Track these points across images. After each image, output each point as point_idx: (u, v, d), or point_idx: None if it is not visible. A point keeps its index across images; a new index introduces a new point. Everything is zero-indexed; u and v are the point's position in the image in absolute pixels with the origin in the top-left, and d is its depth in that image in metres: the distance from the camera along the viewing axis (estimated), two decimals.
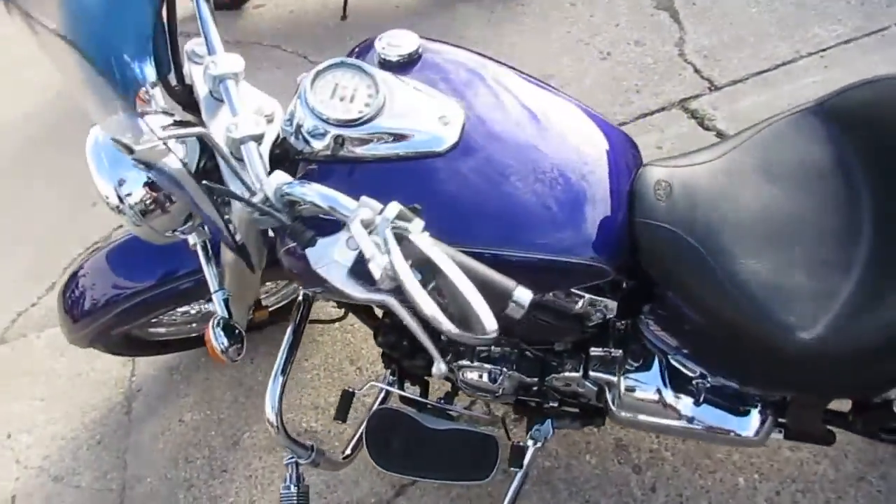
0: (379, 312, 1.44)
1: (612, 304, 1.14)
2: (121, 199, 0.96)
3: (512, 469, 1.39)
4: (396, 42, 1.08)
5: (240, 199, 0.85)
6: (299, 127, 0.96)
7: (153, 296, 1.41)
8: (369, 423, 1.40)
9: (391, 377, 1.45)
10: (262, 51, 2.91)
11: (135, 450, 1.79)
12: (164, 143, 0.83)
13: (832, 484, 1.45)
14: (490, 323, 0.67)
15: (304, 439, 1.38)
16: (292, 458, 1.35)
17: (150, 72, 0.93)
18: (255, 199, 0.85)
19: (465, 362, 1.32)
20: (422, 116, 0.99)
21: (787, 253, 0.99)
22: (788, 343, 0.94)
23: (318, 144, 0.96)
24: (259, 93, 1.04)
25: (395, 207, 0.75)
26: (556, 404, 1.39)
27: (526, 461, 1.39)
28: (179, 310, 1.68)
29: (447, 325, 0.68)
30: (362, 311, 1.43)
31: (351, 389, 1.45)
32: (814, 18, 2.46)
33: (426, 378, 1.46)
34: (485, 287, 0.72)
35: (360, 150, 0.97)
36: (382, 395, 1.52)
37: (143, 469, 1.76)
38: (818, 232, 1.00)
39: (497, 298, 0.74)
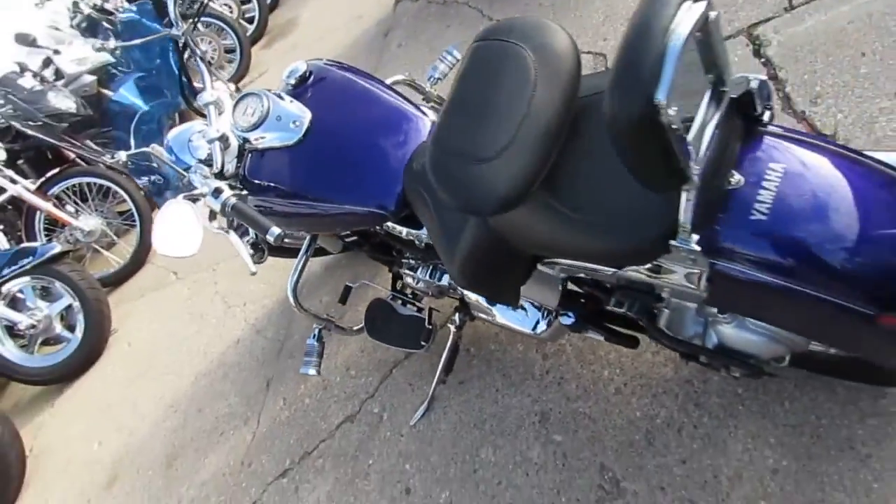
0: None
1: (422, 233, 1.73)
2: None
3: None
4: (296, 71, 1.81)
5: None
6: (233, 132, 1.79)
7: None
8: (368, 308, 2.19)
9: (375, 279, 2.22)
10: (456, 8, 3.74)
11: (297, 320, 2.88)
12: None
13: (666, 382, 1.75)
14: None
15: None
16: (317, 326, 2.21)
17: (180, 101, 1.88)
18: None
19: (406, 271, 2.02)
20: (283, 123, 1.72)
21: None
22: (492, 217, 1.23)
23: (238, 141, 1.78)
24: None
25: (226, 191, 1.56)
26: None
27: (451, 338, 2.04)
28: None
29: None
30: (355, 243, 2.20)
31: (349, 284, 2.25)
32: None
33: (400, 279, 2.18)
34: (256, 223, 1.49)
35: (254, 144, 1.76)
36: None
37: (297, 330, 2.84)
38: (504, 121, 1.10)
39: (263, 231, 1.49)
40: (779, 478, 1.47)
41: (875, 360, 1.19)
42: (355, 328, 2.27)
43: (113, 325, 3.69)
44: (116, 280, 4.09)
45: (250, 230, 2.07)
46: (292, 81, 1.79)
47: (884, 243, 0.91)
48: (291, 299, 2.06)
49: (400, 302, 2.14)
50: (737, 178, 0.98)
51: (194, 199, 1.62)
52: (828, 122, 2.00)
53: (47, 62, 4.40)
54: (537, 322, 1.68)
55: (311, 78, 1.79)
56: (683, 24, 0.76)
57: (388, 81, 1.89)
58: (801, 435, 1.49)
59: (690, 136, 0.84)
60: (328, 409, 2.40)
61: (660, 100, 0.75)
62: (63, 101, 4.14)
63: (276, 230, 1.46)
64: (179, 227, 1.54)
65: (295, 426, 2.45)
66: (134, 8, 4.51)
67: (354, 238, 2.10)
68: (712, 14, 0.82)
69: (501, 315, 1.77)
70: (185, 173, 1.78)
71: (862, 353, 1.16)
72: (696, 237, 0.95)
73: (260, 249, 2.11)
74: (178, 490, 2.58)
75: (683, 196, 0.90)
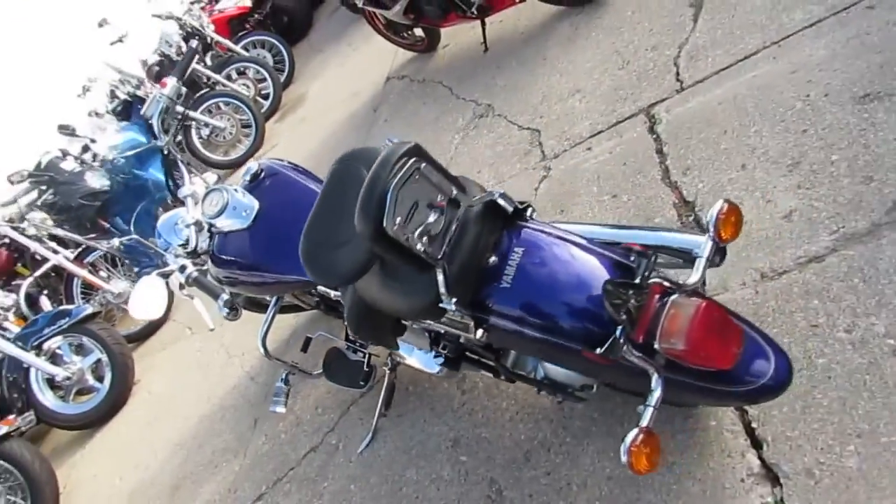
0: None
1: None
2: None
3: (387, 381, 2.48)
4: (250, 169, 2.32)
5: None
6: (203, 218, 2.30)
7: None
8: (325, 355, 2.65)
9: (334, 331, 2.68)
10: (432, 87, 4.28)
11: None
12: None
13: (545, 410, 2.14)
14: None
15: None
16: (284, 370, 2.67)
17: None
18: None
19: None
20: (237, 212, 2.22)
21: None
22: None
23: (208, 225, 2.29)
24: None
25: (190, 267, 2.07)
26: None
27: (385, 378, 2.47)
28: None
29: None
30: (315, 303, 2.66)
31: (308, 336, 2.71)
32: None
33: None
34: (210, 291, 1.98)
35: (219, 227, 2.26)
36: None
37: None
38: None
39: (214, 297, 1.98)
40: (611, 483, 1.85)
41: (610, 382, 1.59)
42: (315, 372, 2.72)
43: (136, 375, 4.23)
44: (141, 336, 4.66)
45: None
46: (248, 178, 2.30)
47: (583, 300, 1.32)
48: (260, 348, 2.52)
49: (350, 349, 2.60)
50: (493, 259, 1.41)
51: (167, 275, 2.12)
52: (691, 191, 2.41)
53: (85, 148, 5.09)
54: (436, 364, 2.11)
55: (262, 175, 2.30)
56: (399, 175, 1.22)
57: None
58: None
59: (424, 238, 1.29)
60: (298, 441, 2.85)
61: (385, 224, 1.20)
62: (99, 181, 4.80)
63: (224, 296, 1.94)
64: (150, 296, 2.03)
65: (272, 456, 2.89)
66: (131, 126, 5.24)
67: (315, 298, 2.57)
68: (423, 165, 1.27)
69: (410, 358, 2.20)
70: (163, 253, 2.29)
71: (596, 377, 1.57)
72: (454, 300, 1.37)
73: (234, 308, 2.60)
74: None
75: (438, 273, 1.34)
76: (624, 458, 1.22)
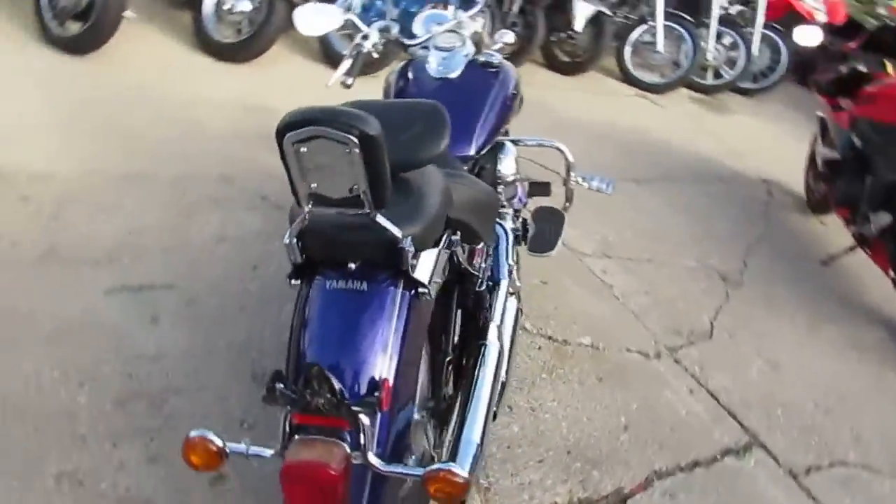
0: None
1: None
2: None
3: None
4: (492, 57, 2.15)
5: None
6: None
7: None
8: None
9: None
10: None
11: None
12: None
13: None
14: None
15: None
16: None
17: None
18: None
19: None
20: (448, 62, 2.10)
21: None
22: None
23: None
24: None
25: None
26: None
27: None
28: None
29: None
30: None
31: None
32: None
33: None
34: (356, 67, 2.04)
35: (428, 58, 2.11)
36: None
37: None
38: None
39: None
40: None
41: None
42: None
43: None
44: None
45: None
46: (484, 58, 2.14)
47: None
48: None
49: None
50: None
51: (352, 25, 2.11)
52: None
53: None
54: None
55: (492, 67, 2.14)
56: None
57: None
58: None
59: None
60: None
61: None
62: None
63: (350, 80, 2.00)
64: (319, 21, 2.05)
65: None
66: None
67: None
68: None
69: None
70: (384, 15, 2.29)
71: None
72: None
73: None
74: None
75: None
76: None
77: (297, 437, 1.16)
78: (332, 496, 1.10)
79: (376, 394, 1.15)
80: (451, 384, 1.67)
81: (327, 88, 1.99)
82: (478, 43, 2.28)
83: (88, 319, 2.17)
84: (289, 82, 4.40)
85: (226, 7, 4.48)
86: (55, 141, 3.17)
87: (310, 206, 1.16)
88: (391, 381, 1.23)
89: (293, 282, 1.32)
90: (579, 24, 5.70)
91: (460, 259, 1.59)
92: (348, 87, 2.02)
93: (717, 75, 6.50)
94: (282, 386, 1.15)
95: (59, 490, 1.64)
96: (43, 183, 2.83)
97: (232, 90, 4.16)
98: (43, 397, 1.88)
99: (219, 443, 1.17)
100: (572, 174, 2.39)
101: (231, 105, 3.89)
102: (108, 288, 2.32)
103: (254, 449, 1.19)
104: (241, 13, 4.50)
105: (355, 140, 1.07)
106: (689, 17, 6.10)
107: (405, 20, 2.42)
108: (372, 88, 2.10)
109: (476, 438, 1.36)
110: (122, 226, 2.66)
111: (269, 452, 1.19)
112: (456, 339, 1.72)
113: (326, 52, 4.83)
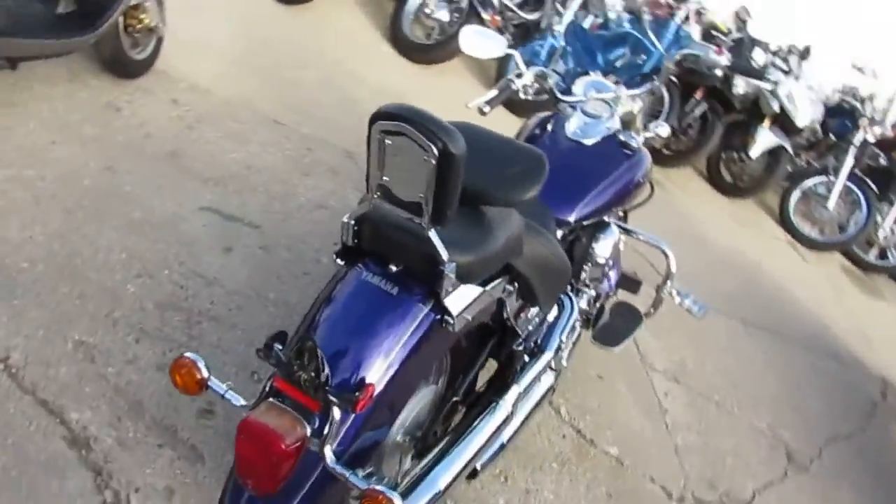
0: None
1: None
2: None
3: None
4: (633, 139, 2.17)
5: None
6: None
7: None
8: None
9: None
10: None
11: None
12: None
13: None
14: None
15: None
16: None
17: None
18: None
19: None
20: (588, 129, 2.13)
21: None
22: None
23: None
24: None
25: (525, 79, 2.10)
26: None
27: None
28: None
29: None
30: None
31: None
32: None
33: None
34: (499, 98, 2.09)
35: (571, 120, 2.15)
36: None
37: None
38: None
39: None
40: None
41: None
42: None
43: None
44: None
45: None
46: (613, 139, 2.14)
47: None
48: None
49: None
50: None
51: (513, 60, 2.20)
52: None
53: None
54: None
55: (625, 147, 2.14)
56: None
57: None
58: None
59: None
60: None
61: None
62: None
63: (487, 108, 1.97)
64: (483, 45, 2.14)
65: None
66: None
67: None
68: None
69: None
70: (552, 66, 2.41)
71: None
72: None
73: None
74: None
75: None
76: None
77: (270, 399, 1.17)
78: (276, 468, 1.11)
79: (357, 394, 1.13)
80: (449, 424, 1.62)
81: (467, 109, 2.00)
82: (627, 122, 2.23)
83: (173, 224, 2.32)
84: (449, 92, 4.53)
85: (427, 10, 4.75)
86: (225, 66, 3.46)
87: (376, 195, 1.18)
88: (377, 390, 1.21)
89: (338, 261, 1.35)
90: (756, 151, 5.45)
91: (507, 310, 1.55)
92: (484, 114, 2.01)
93: (883, 255, 5.99)
94: (280, 347, 1.17)
95: (73, 356, 1.75)
96: (197, 95, 3.08)
97: (398, 84, 4.34)
98: (101, 272, 2.02)
99: (205, 373, 1.21)
100: (668, 283, 2.29)
101: (390, 96, 4.01)
102: (204, 205, 2.47)
103: (231, 394, 1.22)
104: (436, 20, 4.77)
105: (435, 151, 1.08)
106: (874, 187, 5.70)
107: (569, 79, 2.42)
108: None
109: (440, 485, 1.33)
110: (243, 159, 2.83)
111: (241, 402, 1.21)
112: (476, 385, 1.67)
113: (497, 78, 4.95)
